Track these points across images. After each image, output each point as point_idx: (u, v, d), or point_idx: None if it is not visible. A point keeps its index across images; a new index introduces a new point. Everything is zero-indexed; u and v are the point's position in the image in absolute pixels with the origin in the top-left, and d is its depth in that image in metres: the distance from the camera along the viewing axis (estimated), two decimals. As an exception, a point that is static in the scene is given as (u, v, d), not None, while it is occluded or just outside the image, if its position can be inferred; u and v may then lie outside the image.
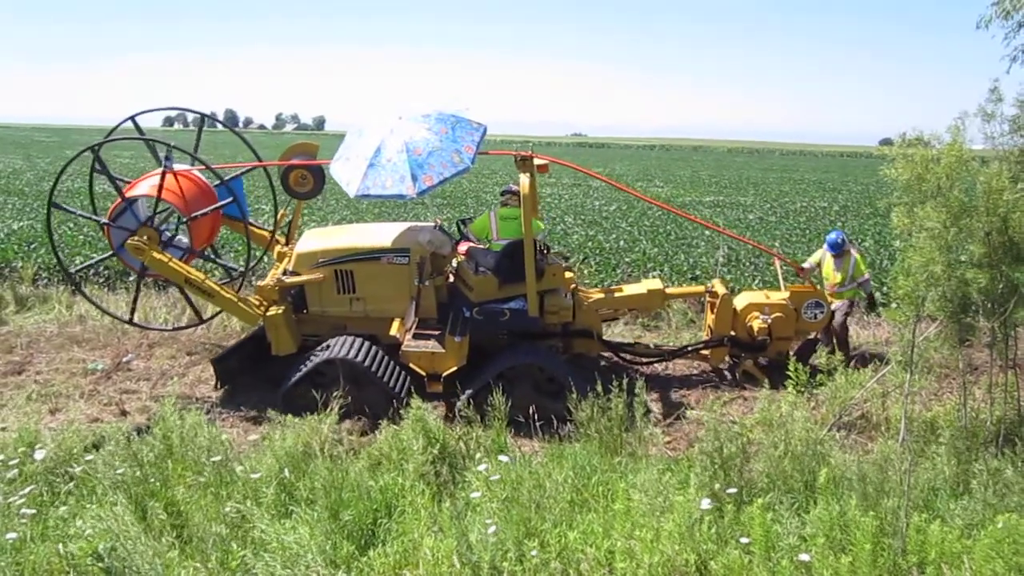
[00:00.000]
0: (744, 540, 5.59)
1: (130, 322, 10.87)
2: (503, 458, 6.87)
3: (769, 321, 10.61)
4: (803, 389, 8.17)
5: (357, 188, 8.97)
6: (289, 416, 7.77)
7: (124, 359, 11.45)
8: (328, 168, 9.71)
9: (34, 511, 6.06)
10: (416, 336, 9.67)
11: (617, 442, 7.84)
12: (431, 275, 10.00)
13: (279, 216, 11.57)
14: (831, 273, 11.28)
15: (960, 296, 7.50)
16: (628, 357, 11.18)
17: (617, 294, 10.87)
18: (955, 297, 7.48)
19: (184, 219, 10.08)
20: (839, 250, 11.25)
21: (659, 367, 11.53)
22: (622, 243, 20.86)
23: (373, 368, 9.28)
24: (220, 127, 12.37)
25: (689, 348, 11.18)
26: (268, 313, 9.92)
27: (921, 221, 7.24)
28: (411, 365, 9.52)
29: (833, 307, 11.33)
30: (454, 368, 9.42)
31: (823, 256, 11.44)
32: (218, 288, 9.97)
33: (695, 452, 7.15)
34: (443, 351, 9.47)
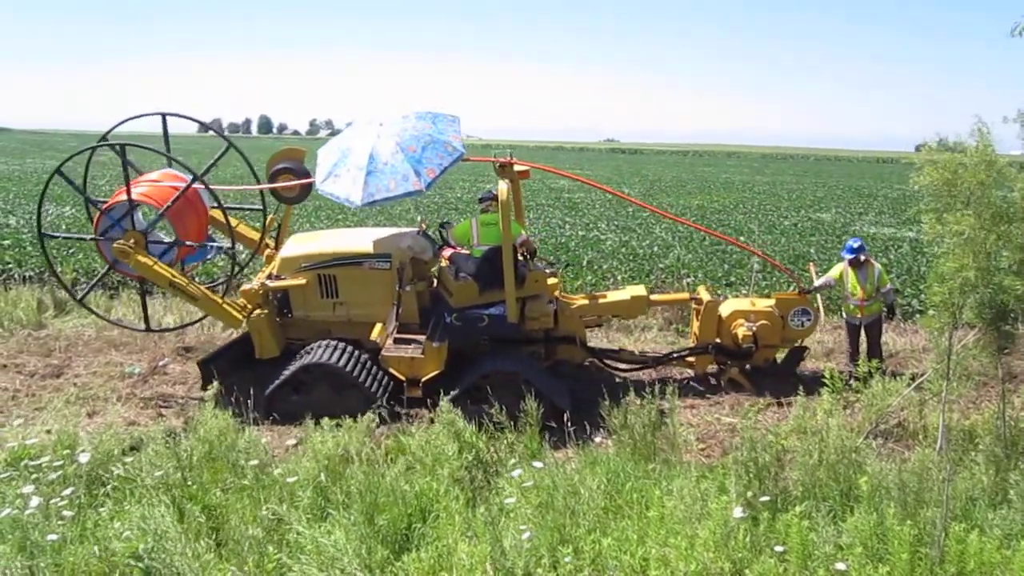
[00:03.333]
0: (779, 549, 5.57)
1: (147, 329, 11.02)
2: (537, 464, 6.88)
3: (754, 329, 10.51)
4: (839, 396, 8.10)
5: (361, 197, 8.99)
6: (327, 420, 7.81)
7: (160, 363, 11.55)
8: (317, 189, 9.68)
9: (73, 513, 6.14)
10: (396, 341, 9.73)
11: (651, 449, 7.82)
12: (411, 280, 10.06)
13: (268, 221, 11.65)
14: (856, 286, 11.01)
15: (998, 303, 7.42)
16: (612, 363, 11.08)
17: (601, 300, 10.76)
18: (992, 304, 7.41)
19: (160, 212, 10.09)
20: (856, 254, 10.95)
21: (643, 373, 11.29)
22: (656, 249, 20.83)
23: (353, 373, 9.35)
24: (214, 133, 12.44)
25: (674, 355, 11.10)
26: (251, 317, 10.00)
27: (951, 226, 7.16)
28: (391, 370, 9.59)
29: (862, 322, 11.19)
30: (433, 373, 9.48)
31: (843, 269, 11.17)
32: (203, 291, 10.07)
33: (730, 460, 7.12)
34: (422, 356, 9.52)
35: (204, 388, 10.17)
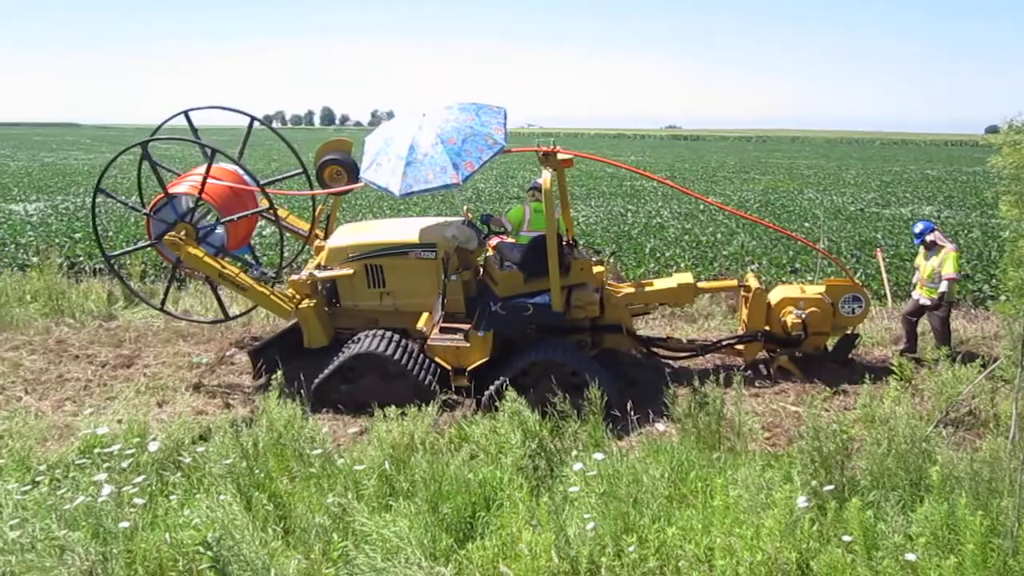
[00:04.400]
0: (847, 538, 5.49)
1: (161, 309, 11.25)
2: (597, 456, 6.86)
3: (804, 316, 10.34)
4: (906, 384, 7.97)
5: (400, 187, 8.95)
6: (392, 409, 7.87)
7: (227, 353, 11.73)
8: (362, 179, 9.72)
9: (144, 501, 6.26)
10: (443, 330, 9.77)
11: (715, 437, 7.76)
12: (457, 270, 10.06)
13: (317, 211, 11.78)
14: (922, 264, 11.06)
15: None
16: (661, 352, 10.99)
17: (647, 289, 10.68)
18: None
19: (221, 220, 10.37)
20: (920, 239, 11.11)
21: (689, 361, 11.24)
22: (719, 236, 20.63)
23: (403, 361, 9.39)
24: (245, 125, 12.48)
25: (723, 342, 10.95)
26: (300, 307, 10.12)
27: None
28: (437, 359, 9.62)
29: (921, 300, 11.11)
30: (479, 362, 9.49)
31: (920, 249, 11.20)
32: (252, 282, 10.21)
33: (795, 449, 7.04)
34: (468, 345, 9.54)
35: (255, 377, 10.37)
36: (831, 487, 6.25)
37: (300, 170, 11.62)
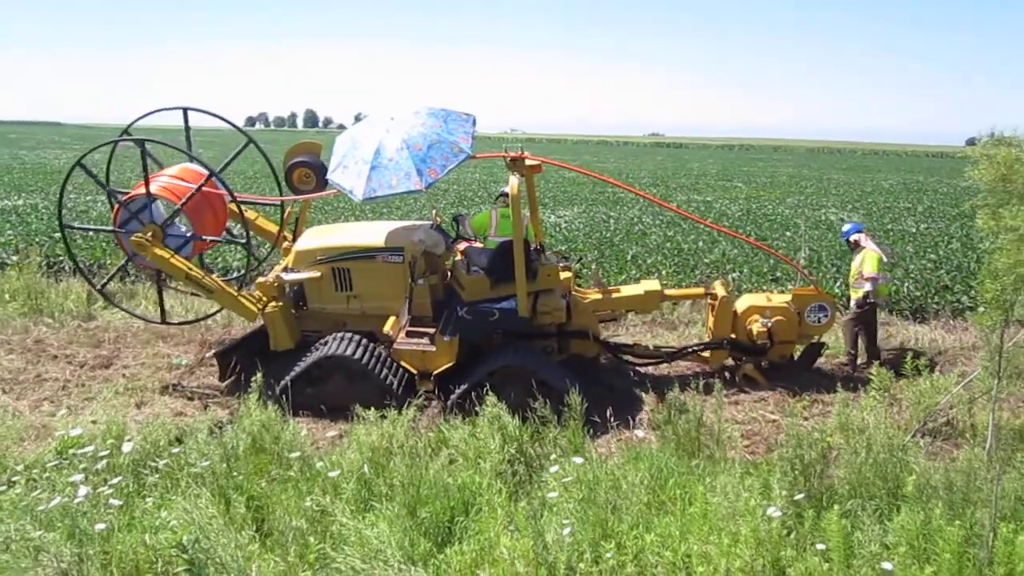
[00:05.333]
0: (821, 547, 5.51)
1: (100, 291, 11.45)
2: (577, 460, 6.86)
3: (769, 325, 10.42)
4: (884, 393, 8.01)
5: (363, 191, 9.03)
6: (371, 412, 7.84)
7: (207, 355, 11.67)
8: (328, 179, 9.75)
9: (121, 502, 6.22)
10: (409, 334, 9.78)
11: (694, 444, 7.77)
12: (424, 274, 10.06)
13: (286, 213, 11.77)
14: (853, 267, 11.39)
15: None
16: (628, 358, 10.99)
17: (614, 295, 10.78)
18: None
19: (193, 236, 10.50)
20: (845, 238, 11.61)
21: (660, 368, 11.32)
22: (700, 244, 20.66)
23: (369, 365, 9.42)
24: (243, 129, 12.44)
25: (689, 350, 10.97)
26: (267, 309, 10.14)
27: (1006, 221, 7.05)
28: (403, 362, 9.64)
29: (852, 302, 11.40)
30: (445, 367, 9.51)
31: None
32: (218, 284, 10.23)
33: (775, 457, 7.06)
34: (434, 349, 9.56)
35: (222, 379, 10.34)
36: (803, 495, 6.27)
37: (278, 199, 11.71)
